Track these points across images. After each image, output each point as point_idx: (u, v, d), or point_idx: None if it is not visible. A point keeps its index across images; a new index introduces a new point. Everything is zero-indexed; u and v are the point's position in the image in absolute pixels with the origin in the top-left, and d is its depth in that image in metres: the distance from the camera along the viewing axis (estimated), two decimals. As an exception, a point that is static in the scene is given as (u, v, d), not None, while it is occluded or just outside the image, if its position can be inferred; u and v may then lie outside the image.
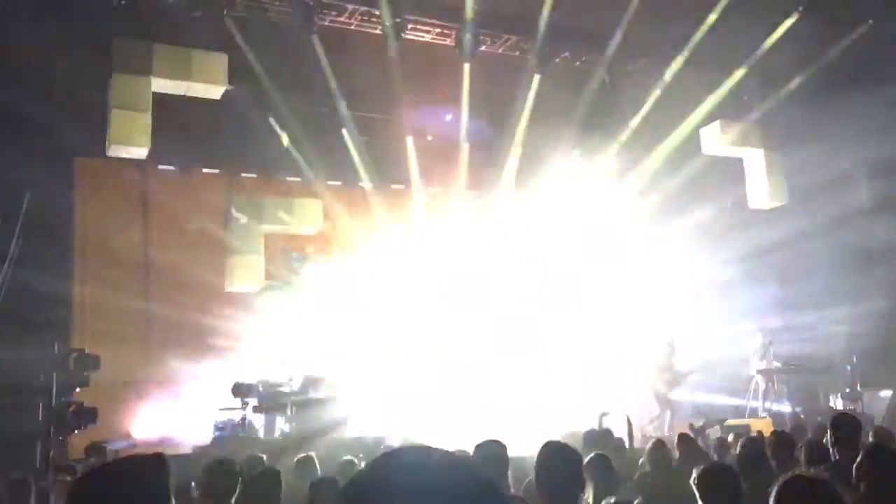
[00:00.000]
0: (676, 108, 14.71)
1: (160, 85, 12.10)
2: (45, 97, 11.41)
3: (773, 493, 2.68)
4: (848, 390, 13.65)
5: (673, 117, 14.87)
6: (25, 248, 12.32)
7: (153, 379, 13.20)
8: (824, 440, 5.08)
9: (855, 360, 13.76)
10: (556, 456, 3.17)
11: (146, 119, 11.76)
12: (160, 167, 14.51)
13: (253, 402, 11.42)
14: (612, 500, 3.43)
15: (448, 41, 14.36)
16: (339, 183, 15.75)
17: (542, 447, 3.27)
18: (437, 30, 14.32)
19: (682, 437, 7.36)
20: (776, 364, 14.17)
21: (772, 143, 15.18)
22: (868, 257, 13.49)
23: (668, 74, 14.42)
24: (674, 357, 13.74)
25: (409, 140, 15.26)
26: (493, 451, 4.19)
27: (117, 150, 12.23)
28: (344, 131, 14.73)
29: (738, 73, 14.49)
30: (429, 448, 1.16)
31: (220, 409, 11.68)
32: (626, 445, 8.77)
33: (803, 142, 13.91)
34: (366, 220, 15.44)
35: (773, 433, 6.10)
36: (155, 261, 14.13)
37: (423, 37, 14.39)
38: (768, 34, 13.78)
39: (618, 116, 15.52)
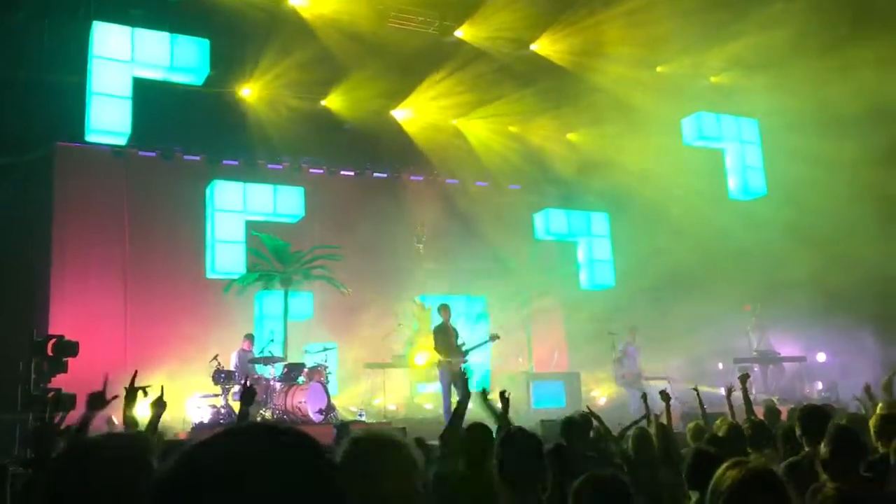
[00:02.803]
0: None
1: (141, 70, 12.00)
2: (24, 82, 11.31)
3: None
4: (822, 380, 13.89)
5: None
6: (4, 233, 12.25)
7: (133, 364, 13.14)
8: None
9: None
10: (516, 443, 3.23)
11: (126, 105, 11.65)
12: (140, 153, 14.43)
13: (234, 389, 11.41)
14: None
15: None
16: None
17: (505, 434, 3.33)
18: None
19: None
20: (757, 351, 14.40)
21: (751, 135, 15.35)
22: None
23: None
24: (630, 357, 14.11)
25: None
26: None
27: (97, 136, 12.12)
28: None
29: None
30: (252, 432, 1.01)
31: (201, 397, 11.67)
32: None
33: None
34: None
35: (750, 423, 6.16)
36: (135, 247, 14.07)
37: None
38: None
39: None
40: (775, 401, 10.84)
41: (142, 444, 2.27)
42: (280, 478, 0.93)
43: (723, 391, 7.62)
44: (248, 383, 5.12)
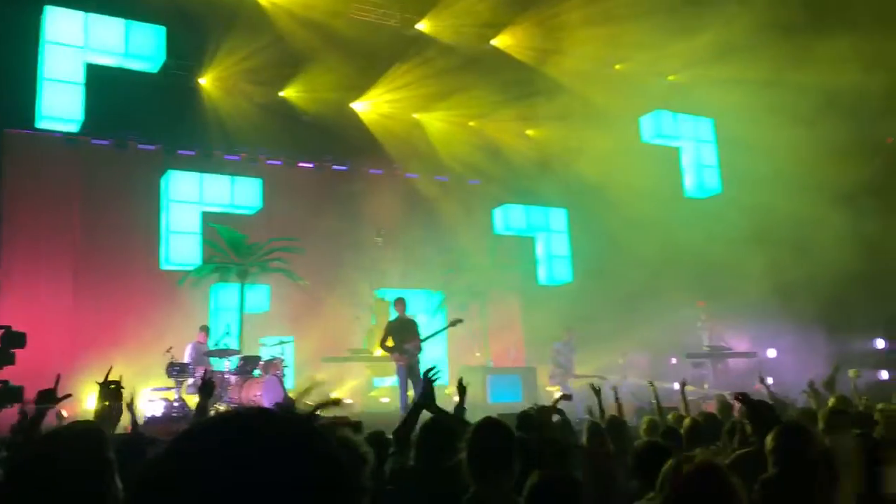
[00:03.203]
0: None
1: (94, 56, 11.74)
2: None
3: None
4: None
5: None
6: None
7: (83, 356, 12.89)
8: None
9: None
10: (486, 432, 3.23)
11: (79, 91, 11.39)
12: (93, 141, 14.13)
13: (187, 382, 11.26)
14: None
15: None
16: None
17: (477, 423, 3.32)
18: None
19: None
20: (708, 347, 14.63)
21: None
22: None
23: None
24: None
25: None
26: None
27: (48, 123, 11.84)
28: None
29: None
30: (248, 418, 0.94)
31: (153, 391, 11.49)
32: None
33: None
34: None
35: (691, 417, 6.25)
36: (86, 237, 13.79)
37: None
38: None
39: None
40: (727, 395, 11.04)
41: (96, 436, 2.23)
42: (282, 458, 0.88)
43: (676, 386, 7.77)
44: (206, 376, 5.05)
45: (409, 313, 11.92)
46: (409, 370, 11.01)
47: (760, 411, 4.19)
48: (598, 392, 6.89)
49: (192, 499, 0.84)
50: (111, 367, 4.28)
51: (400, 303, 11.85)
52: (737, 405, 8.30)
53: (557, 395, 13.79)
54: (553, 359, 14.39)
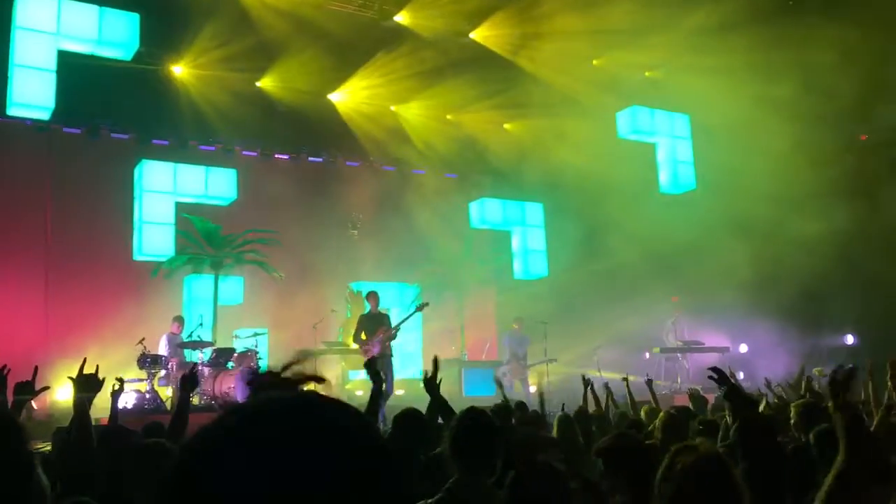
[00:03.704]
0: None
1: (67, 43, 11.55)
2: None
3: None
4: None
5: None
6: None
7: (55, 348, 12.72)
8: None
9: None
10: (470, 422, 3.23)
11: (51, 78, 11.21)
12: (65, 129, 13.92)
13: (160, 374, 11.15)
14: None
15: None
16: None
17: (461, 413, 3.32)
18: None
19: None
20: (678, 342, 14.75)
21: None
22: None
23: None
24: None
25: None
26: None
27: (18, 110, 11.65)
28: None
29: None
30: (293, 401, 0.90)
31: (125, 382, 11.34)
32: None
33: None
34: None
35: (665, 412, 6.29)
36: (57, 227, 13.60)
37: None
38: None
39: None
40: (700, 389, 11.15)
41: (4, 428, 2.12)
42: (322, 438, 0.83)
43: (644, 379, 7.90)
44: (192, 370, 5.00)
45: (384, 307, 11.91)
46: (383, 363, 10.99)
47: (737, 390, 4.19)
48: (588, 384, 6.93)
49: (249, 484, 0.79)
50: (85, 360, 4.15)
51: (373, 296, 11.83)
52: (710, 399, 8.40)
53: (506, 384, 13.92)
54: (512, 352, 14.48)
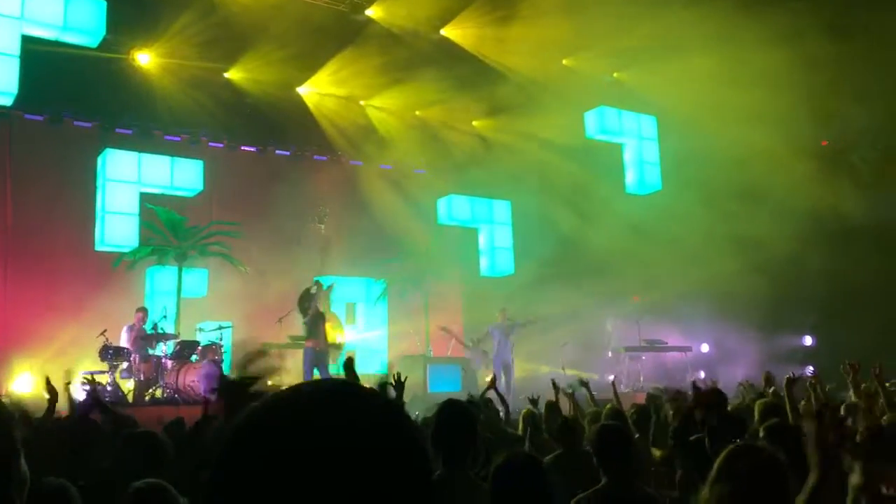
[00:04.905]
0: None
1: (31, 28, 11.33)
2: None
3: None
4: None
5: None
6: None
7: (13, 341, 12.51)
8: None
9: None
10: (452, 414, 3.25)
11: (14, 64, 10.98)
12: (26, 116, 13.65)
13: (122, 366, 11.00)
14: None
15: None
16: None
17: (441, 406, 3.33)
18: None
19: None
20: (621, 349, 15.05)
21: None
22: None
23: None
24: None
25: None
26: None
27: (-22, 96, 11.40)
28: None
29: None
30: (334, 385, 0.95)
31: (85, 374, 11.18)
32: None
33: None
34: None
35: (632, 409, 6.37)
36: (17, 216, 13.34)
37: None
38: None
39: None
40: (661, 388, 11.32)
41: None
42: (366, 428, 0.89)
43: (610, 378, 7.99)
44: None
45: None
46: (318, 357, 11.27)
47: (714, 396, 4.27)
48: (586, 385, 7.04)
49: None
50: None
51: (324, 289, 12.15)
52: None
53: (487, 378, 13.96)
54: (498, 341, 14.49)
